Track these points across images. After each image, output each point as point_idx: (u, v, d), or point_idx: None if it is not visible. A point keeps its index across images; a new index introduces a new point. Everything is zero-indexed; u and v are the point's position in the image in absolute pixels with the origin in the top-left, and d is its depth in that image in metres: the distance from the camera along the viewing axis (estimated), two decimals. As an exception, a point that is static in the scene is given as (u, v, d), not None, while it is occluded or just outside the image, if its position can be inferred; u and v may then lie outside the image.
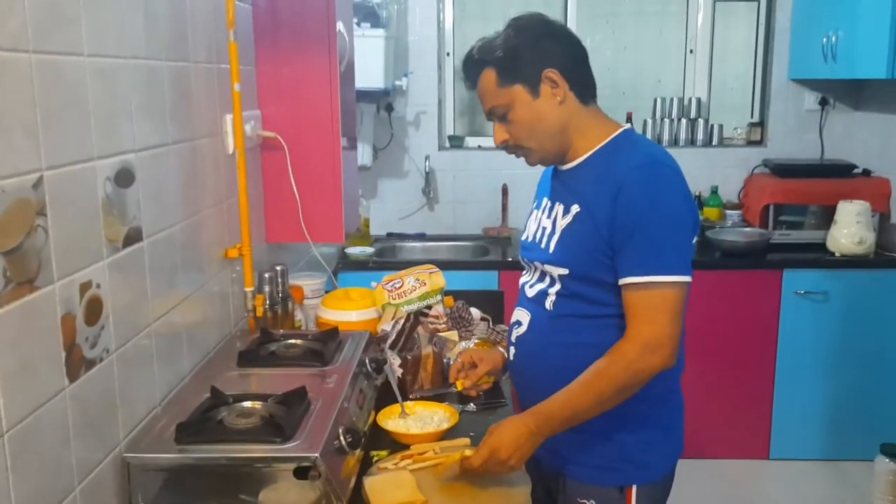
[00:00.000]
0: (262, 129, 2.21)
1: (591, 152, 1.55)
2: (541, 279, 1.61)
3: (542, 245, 1.59)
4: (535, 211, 1.69)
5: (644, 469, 1.57)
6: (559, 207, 1.58)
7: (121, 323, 1.38)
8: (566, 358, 1.53)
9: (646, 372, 1.44)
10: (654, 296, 1.43)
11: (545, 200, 1.65)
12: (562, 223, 1.55)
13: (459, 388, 1.81)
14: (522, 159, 1.62)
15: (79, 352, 1.24)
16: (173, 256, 1.63)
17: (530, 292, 1.64)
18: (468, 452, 1.48)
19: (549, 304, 1.58)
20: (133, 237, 1.43)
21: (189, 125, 1.73)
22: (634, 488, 1.56)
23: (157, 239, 1.54)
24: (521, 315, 1.66)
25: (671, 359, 1.44)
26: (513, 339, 1.68)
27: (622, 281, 1.47)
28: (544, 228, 1.61)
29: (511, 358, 1.71)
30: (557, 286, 1.56)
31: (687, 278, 1.44)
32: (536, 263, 1.63)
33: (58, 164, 1.18)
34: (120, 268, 1.38)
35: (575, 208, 1.53)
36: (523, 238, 1.71)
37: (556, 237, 1.56)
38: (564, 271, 1.54)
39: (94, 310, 1.28)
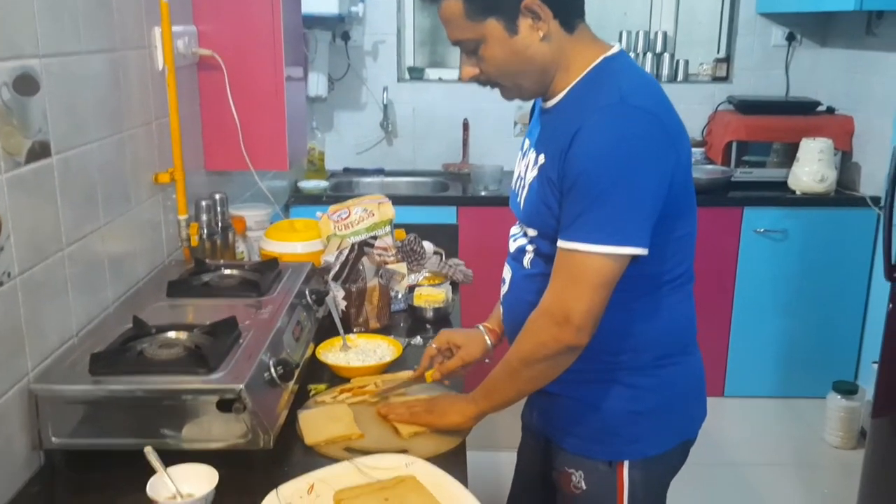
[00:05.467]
0: (198, 46, 2.06)
1: (568, 88, 1.31)
2: (523, 234, 1.42)
3: (518, 198, 1.40)
4: (520, 153, 1.46)
5: (634, 443, 1.39)
6: (531, 155, 1.36)
7: (26, 245, 1.27)
8: None
9: (548, 345, 1.27)
10: (574, 264, 1.23)
11: (527, 142, 1.43)
12: (530, 175, 1.35)
13: (428, 380, 1.57)
14: (486, 93, 1.41)
15: (-28, 274, 1.13)
16: (91, 176, 1.51)
17: (512, 246, 1.47)
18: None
19: (526, 261, 1.41)
20: (39, 152, 1.30)
21: (108, 34, 1.58)
22: (626, 463, 1.39)
23: (69, 156, 1.41)
24: (505, 272, 1.50)
25: (578, 335, 1.25)
26: (501, 297, 1.53)
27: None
28: (521, 178, 1.40)
29: (503, 318, 1.55)
30: (533, 245, 1.39)
31: (620, 249, 1.21)
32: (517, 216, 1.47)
33: (-63, 63, 1.05)
34: (23, 184, 1.26)
35: (541, 159, 1.31)
36: (512, 182, 1.49)
37: (524, 191, 1.37)
38: (534, 232, 1.37)
39: (-10, 229, 1.17)
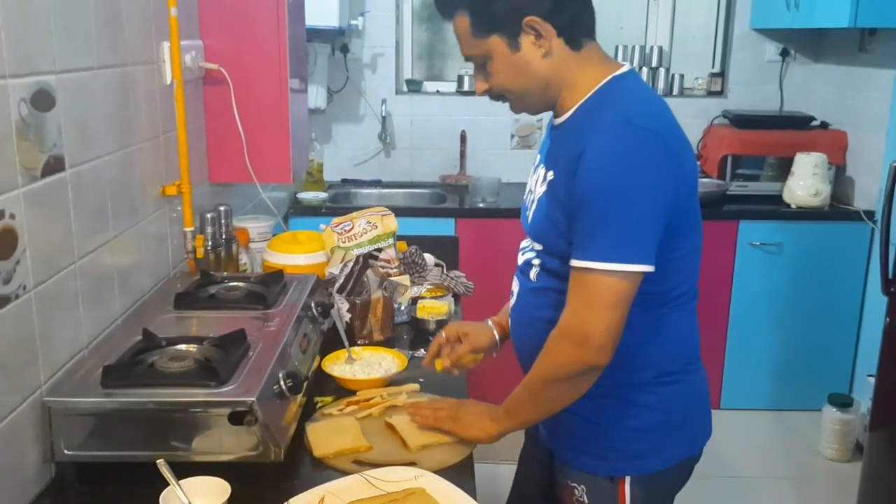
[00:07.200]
0: (204, 60, 2.08)
1: (576, 106, 1.33)
2: (531, 248, 1.45)
3: (528, 212, 1.43)
4: (532, 168, 1.48)
5: (636, 460, 1.40)
6: (541, 171, 1.39)
7: (40, 259, 1.28)
8: (546, 335, 1.35)
9: (569, 366, 1.29)
10: (589, 284, 1.24)
11: (538, 158, 1.46)
12: (539, 190, 1.38)
13: (439, 368, 1.59)
14: (483, 105, 1.46)
15: (-11, 287, 1.14)
16: (102, 190, 1.52)
17: (520, 259, 1.48)
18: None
19: (533, 275, 1.42)
20: (54, 166, 1.32)
21: (119, 50, 1.60)
22: (627, 479, 1.40)
23: (81, 170, 1.42)
24: (514, 284, 1.51)
25: (599, 354, 1.26)
26: (509, 310, 1.55)
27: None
28: (531, 192, 1.43)
29: (511, 332, 1.57)
30: (539, 259, 1.41)
31: (633, 267, 1.22)
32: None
33: (-40, 80, 1.06)
34: (38, 199, 1.27)
35: (550, 175, 1.34)
36: (523, 197, 1.51)
37: (534, 206, 1.40)
38: (539, 246, 1.40)
39: (7, 242, 1.18)
